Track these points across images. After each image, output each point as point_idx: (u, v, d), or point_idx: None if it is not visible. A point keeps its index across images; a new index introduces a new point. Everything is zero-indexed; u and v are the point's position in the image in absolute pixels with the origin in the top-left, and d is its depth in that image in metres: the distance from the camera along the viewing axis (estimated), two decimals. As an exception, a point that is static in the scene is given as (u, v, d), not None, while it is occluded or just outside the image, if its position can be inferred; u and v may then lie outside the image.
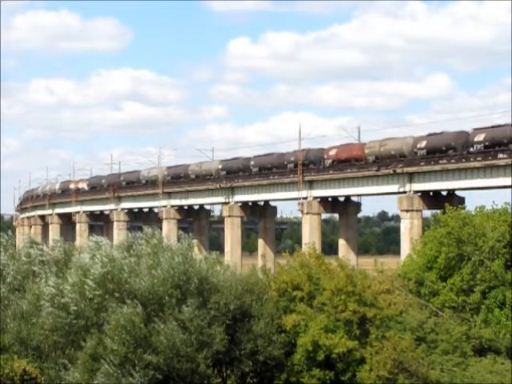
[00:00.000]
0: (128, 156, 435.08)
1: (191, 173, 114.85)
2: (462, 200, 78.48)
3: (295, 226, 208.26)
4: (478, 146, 73.35)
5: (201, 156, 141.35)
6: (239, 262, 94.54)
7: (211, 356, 31.26)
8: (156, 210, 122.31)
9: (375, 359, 31.70)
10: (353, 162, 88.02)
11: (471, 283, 38.22)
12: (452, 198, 77.66)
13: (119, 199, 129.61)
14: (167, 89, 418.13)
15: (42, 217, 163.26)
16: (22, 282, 36.82)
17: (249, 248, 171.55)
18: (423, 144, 79.59)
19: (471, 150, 74.39)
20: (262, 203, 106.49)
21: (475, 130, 75.35)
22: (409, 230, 77.69)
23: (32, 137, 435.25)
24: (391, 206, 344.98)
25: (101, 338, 30.84)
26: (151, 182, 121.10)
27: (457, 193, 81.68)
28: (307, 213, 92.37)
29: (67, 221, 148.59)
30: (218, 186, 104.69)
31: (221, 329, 31.36)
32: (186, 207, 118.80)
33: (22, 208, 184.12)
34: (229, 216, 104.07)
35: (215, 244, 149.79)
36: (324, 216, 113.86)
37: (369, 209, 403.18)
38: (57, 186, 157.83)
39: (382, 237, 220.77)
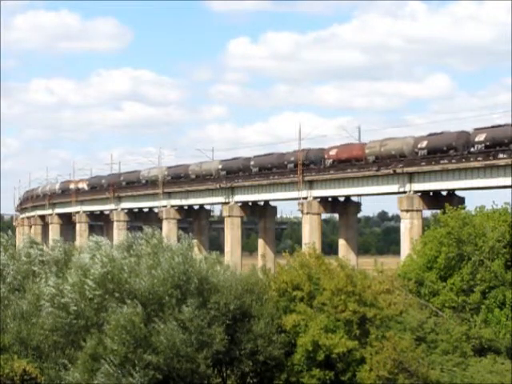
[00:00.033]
0: (128, 156, 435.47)
1: (191, 173, 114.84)
2: (462, 200, 78.47)
3: (295, 226, 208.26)
4: (479, 146, 73.28)
5: (201, 156, 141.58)
6: (239, 262, 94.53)
7: (211, 356, 31.26)
8: (156, 210, 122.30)
9: (375, 359, 31.70)
10: (353, 162, 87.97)
11: (471, 283, 38.22)
12: (452, 198, 77.64)
13: (119, 199, 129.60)
14: (167, 89, 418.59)
15: (42, 217, 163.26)
16: (22, 282, 36.82)
17: (249, 248, 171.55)
18: (424, 144, 79.55)
19: (472, 150, 74.30)
20: (262, 203, 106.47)
21: (476, 129, 75.28)
22: (409, 230, 77.68)
23: (32, 137, 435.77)
24: (391, 206, 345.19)
25: (101, 338, 30.84)
26: (151, 182, 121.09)
27: (457, 193, 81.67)
28: (307, 213, 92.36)
29: (67, 221, 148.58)
30: (218, 186, 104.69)
31: (221, 329, 31.37)
32: (186, 207, 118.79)
33: (22, 208, 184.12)
34: (229, 216, 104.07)
35: (215, 244, 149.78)
36: (324, 216, 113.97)
37: (369, 209, 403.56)
38: (57, 186, 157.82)
39: (382, 237, 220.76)
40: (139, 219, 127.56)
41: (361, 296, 33.73)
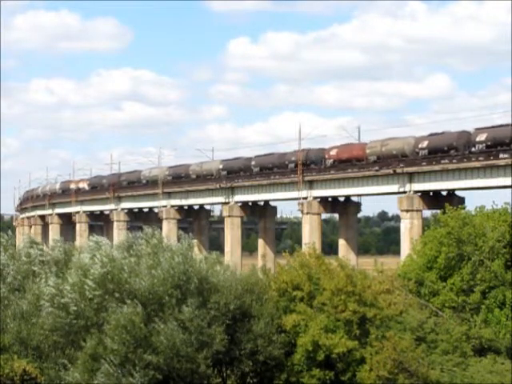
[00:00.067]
0: (128, 156, 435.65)
1: (192, 173, 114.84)
2: (462, 200, 78.47)
3: (295, 226, 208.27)
4: (480, 146, 73.18)
5: (201, 156, 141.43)
6: (239, 262, 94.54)
7: (211, 356, 31.25)
8: (156, 210, 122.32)
9: (375, 359, 31.70)
10: (354, 162, 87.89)
11: (471, 283, 38.22)
12: (452, 198, 77.64)
13: (119, 199, 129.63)
14: (167, 89, 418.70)
15: (42, 217, 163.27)
16: (22, 282, 36.80)
17: (249, 248, 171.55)
18: (425, 144, 79.48)
19: (473, 149, 74.22)
20: (262, 203, 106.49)
21: (477, 129, 75.18)
22: (409, 230, 77.68)
23: (32, 137, 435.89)
24: (391, 206, 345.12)
25: (101, 338, 30.84)
26: (152, 182, 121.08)
27: (457, 193, 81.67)
28: (307, 213, 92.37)
29: (67, 221, 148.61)
30: (218, 185, 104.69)
31: (221, 329, 31.36)
32: (186, 207, 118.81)
33: (22, 208, 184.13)
34: (229, 216, 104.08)
35: (215, 244, 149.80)
36: (324, 216, 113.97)
37: (369, 209, 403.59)
38: (57, 186, 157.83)
39: (382, 237, 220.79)
40: (139, 219, 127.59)
41: (361, 296, 33.73)
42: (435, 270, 39.70)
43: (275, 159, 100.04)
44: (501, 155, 70.58)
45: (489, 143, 72.23)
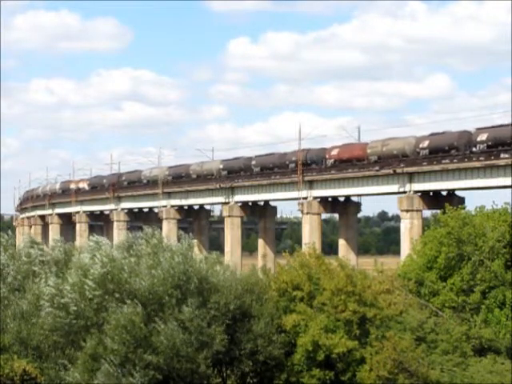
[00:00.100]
0: (128, 156, 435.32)
1: (192, 172, 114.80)
2: (462, 200, 78.44)
3: (295, 226, 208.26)
4: (481, 146, 73.05)
5: (201, 156, 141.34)
6: (239, 262, 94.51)
7: (211, 356, 31.25)
8: (156, 210, 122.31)
9: (375, 359, 31.70)
10: (355, 162, 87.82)
11: (471, 283, 38.23)
12: (452, 198, 77.61)
13: (119, 199, 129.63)
14: (167, 89, 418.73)
15: (42, 217, 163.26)
16: (22, 282, 36.80)
17: (249, 248, 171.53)
18: (425, 144, 79.39)
19: (474, 149, 74.13)
20: (262, 203, 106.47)
21: (478, 129, 75.05)
22: (409, 230, 77.66)
23: (32, 137, 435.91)
24: (391, 206, 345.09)
25: (101, 338, 30.84)
26: (153, 182, 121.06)
27: (457, 193, 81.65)
28: (307, 213, 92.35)
29: (67, 221, 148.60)
30: (218, 185, 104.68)
31: (221, 329, 31.36)
32: (186, 207, 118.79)
33: (22, 208, 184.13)
34: (229, 216, 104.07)
35: (215, 244, 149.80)
36: (324, 216, 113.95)
37: (369, 209, 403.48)
38: (57, 186, 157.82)
39: (382, 237, 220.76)
40: (139, 219, 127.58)
41: (361, 296, 33.73)
42: (435, 270, 39.70)
43: (276, 159, 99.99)
44: (502, 155, 70.48)
45: (490, 143, 72.11)
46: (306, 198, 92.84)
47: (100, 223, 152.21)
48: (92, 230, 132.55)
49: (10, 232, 42.89)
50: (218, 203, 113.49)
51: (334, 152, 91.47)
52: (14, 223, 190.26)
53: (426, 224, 71.26)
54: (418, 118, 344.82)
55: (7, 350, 32.82)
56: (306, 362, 32.93)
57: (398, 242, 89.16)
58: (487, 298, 37.84)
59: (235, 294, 32.52)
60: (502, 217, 40.67)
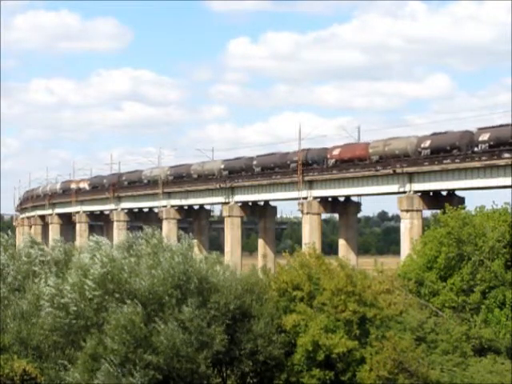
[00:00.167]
0: (128, 156, 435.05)
1: (193, 172, 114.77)
2: (462, 200, 78.43)
3: (295, 226, 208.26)
4: (483, 146, 72.96)
5: (201, 156, 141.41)
6: (239, 262, 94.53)
7: (211, 356, 31.25)
8: (156, 210, 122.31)
9: (375, 359, 31.70)
10: (356, 162, 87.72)
11: (471, 283, 38.23)
12: (452, 198, 77.61)
13: (119, 199, 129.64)
14: (167, 89, 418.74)
15: (42, 217, 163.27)
16: (22, 282, 36.78)
17: (249, 248, 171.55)
18: (427, 143, 79.31)
19: (476, 149, 74.06)
20: (262, 203, 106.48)
21: (480, 129, 74.94)
22: (409, 230, 77.66)
23: (32, 137, 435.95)
24: (391, 206, 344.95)
25: (101, 338, 30.83)
26: (153, 182, 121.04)
27: (457, 193, 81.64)
28: (307, 213, 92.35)
29: (67, 221, 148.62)
30: (218, 185, 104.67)
31: (221, 329, 31.36)
32: (186, 207, 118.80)
33: (22, 208, 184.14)
34: (229, 216, 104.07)
35: (215, 244, 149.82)
36: (324, 216, 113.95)
37: (369, 209, 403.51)
38: (58, 186, 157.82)
39: (382, 237, 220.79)
40: (139, 219, 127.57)
41: (361, 296, 33.73)
42: (435, 270, 39.71)
43: (277, 159, 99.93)
44: (504, 155, 70.35)
45: (491, 143, 72.02)
46: (306, 198, 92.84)
47: (100, 223, 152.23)
48: (92, 229, 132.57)
49: (9, 232, 42.85)
50: (218, 203, 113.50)
51: (336, 152, 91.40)
52: (14, 223, 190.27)
53: (425, 224, 71.26)
54: (418, 118, 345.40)
55: (7, 349, 32.81)
56: (306, 362, 32.92)
57: (398, 242, 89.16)
58: (487, 298, 37.85)
59: (235, 294, 32.52)
60: (502, 217, 40.68)
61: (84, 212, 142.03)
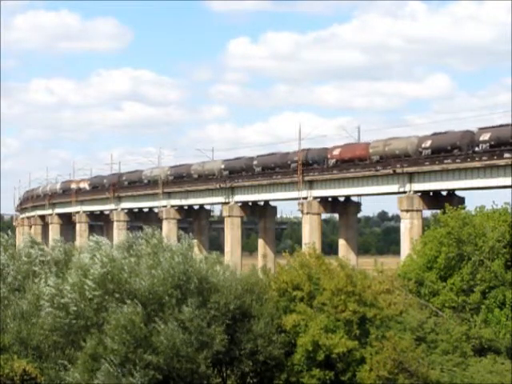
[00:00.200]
0: (128, 156, 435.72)
1: (194, 172, 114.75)
2: (462, 200, 78.44)
3: (295, 226, 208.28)
4: (484, 146, 72.90)
5: (201, 156, 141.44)
6: (239, 262, 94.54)
7: (211, 356, 31.24)
8: (156, 210, 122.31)
9: (375, 359, 31.70)
10: (357, 162, 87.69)
11: (471, 283, 38.23)
12: (452, 198, 77.61)
13: (119, 199, 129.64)
14: (167, 89, 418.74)
15: (42, 217, 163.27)
16: (22, 282, 36.78)
17: (249, 248, 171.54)
18: (428, 143, 79.25)
19: (476, 149, 74.04)
20: (262, 203, 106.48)
21: (481, 129, 74.89)
22: (409, 230, 77.67)
23: (32, 137, 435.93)
24: (391, 206, 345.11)
25: (101, 338, 30.83)
26: (154, 182, 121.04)
27: (457, 193, 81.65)
28: (307, 213, 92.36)
29: (67, 221, 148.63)
30: (218, 185, 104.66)
31: (221, 329, 31.36)
32: (186, 207, 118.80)
33: (22, 208, 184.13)
34: (229, 216, 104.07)
35: (215, 244, 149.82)
36: (324, 216, 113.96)
37: (369, 209, 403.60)
38: (58, 186, 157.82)
39: (382, 237, 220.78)
40: (139, 219, 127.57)
41: (361, 296, 33.73)
42: (435, 270, 39.71)
43: (277, 159, 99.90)
44: (505, 155, 70.31)
45: (492, 143, 71.98)
46: (306, 198, 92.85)
47: (100, 223, 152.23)
48: (92, 229, 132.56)
49: (9, 232, 42.85)
50: (218, 203, 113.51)
51: (336, 152, 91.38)
52: (14, 223, 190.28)
53: (426, 224, 71.25)
54: (418, 118, 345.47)
55: (7, 349, 32.81)
56: (306, 361, 32.92)
57: (398, 242, 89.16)
58: (487, 298, 37.84)
59: (235, 294, 32.51)
60: (502, 217, 40.68)
61: (84, 212, 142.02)
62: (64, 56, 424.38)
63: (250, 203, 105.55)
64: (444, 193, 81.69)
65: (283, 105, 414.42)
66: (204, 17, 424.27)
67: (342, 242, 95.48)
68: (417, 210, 79.62)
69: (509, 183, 70.54)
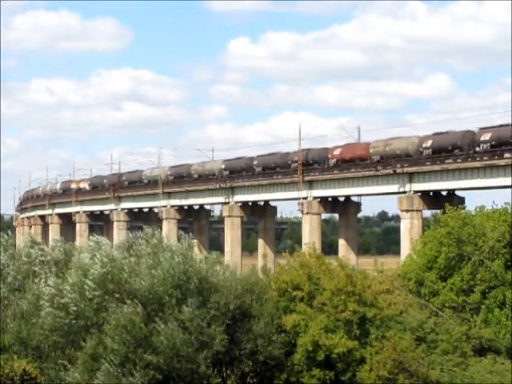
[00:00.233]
0: (128, 156, 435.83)
1: (194, 172, 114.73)
2: (462, 200, 78.44)
3: (295, 226, 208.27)
4: (485, 146, 72.87)
5: (201, 156, 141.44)
6: (239, 262, 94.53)
7: (211, 356, 31.24)
8: (156, 210, 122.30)
9: (375, 359, 31.69)
10: (357, 162, 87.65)
11: (471, 283, 38.23)
12: (452, 198, 77.62)
13: (119, 199, 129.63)
14: (167, 89, 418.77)
15: (42, 217, 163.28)
16: (22, 282, 36.78)
17: (249, 248, 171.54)
18: (429, 143, 79.20)
19: (477, 149, 74.00)
20: (262, 203, 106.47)
21: (481, 129, 74.86)
22: (409, 230, 77.67)
23: (32, 137, 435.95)
24: (391, 206, 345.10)
25: (101, 338, 30.84)
26: (154, 182, 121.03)
27: (457, 193, 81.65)
28: (307, 213, 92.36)
29: (67, 221, 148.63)
30: (218, 185, 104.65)
31: (221, 329, 31.35)
32: (186, 207, 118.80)
33: (22, 208, 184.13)
34: (229, 216, 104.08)
35: (215, 244, 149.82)
36: (324, 216, 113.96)
37: (369, 209, 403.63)
38: (58, 186, 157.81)
39: (382, 237, 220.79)
40: (139, 219, 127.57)
41: (361, 296, 33.72)
42: (435, 270, 39.70)
43: (278, 159, 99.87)
44: (506, 155, 70.26)
45: (493, 143, 71.93)
46: (306, 198, 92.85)
47: (100, 223, 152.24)
48: (92, 229, 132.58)
49: (9, 232, 42.86)
50: (218, 203, 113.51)
51: (337, 152, 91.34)
52: (14, 223, 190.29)
53: (426, 224, 71.25)
54: (418, 118, 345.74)
55: (7, 349, 32.81)
56: (306, 361, 32.91)
57: (398, 242, 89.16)
58: (487, 298, 37.84)
59: (235, 294, 32.51)
60: (502, 217, 40.68)
61: (84, 212, 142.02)
62: (64, 56, 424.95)
63: (250, 203, 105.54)
64: (444, 193, 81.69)
65: (283, 105, 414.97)
66: (204, 17, 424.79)
67: (342, 242, 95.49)
68: (417, 210, 79.62)
69: (509, 183, 70.54)
